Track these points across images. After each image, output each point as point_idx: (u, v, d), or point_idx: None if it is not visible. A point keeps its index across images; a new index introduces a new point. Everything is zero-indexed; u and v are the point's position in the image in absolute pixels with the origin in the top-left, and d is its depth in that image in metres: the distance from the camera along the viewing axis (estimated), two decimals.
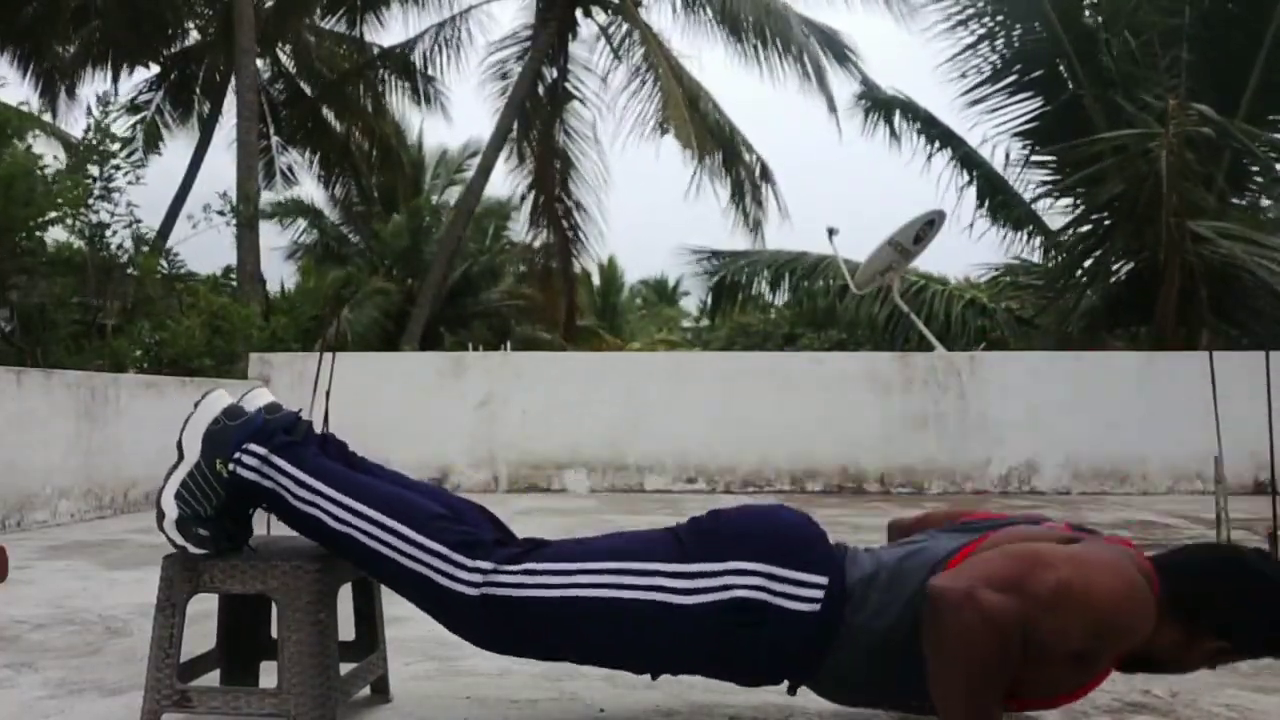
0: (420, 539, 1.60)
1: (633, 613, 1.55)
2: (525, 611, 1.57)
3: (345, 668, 1.76)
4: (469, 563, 1.58)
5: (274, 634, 1.75)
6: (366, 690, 1.93)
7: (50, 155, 7.52)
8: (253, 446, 1.65)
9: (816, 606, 1.54)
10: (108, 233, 7.61)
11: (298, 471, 1.64)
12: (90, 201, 7.32)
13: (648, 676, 2.13)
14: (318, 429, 1.78)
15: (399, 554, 1.60)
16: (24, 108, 8.03)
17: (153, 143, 8.53)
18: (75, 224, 7.28)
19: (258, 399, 1.73)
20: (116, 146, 7.64)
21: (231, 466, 1.64)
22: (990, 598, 1.35)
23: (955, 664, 1.37)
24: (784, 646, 1.55)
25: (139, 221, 7.87)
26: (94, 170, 7.45)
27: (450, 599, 1.59)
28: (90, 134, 7.68)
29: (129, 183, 7.59)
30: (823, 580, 1.55)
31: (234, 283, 9.41)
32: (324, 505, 1.63)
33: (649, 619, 1.55)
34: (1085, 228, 9.73)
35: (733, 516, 1.66)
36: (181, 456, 1.66)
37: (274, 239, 18.67)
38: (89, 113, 7.88)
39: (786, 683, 1.65)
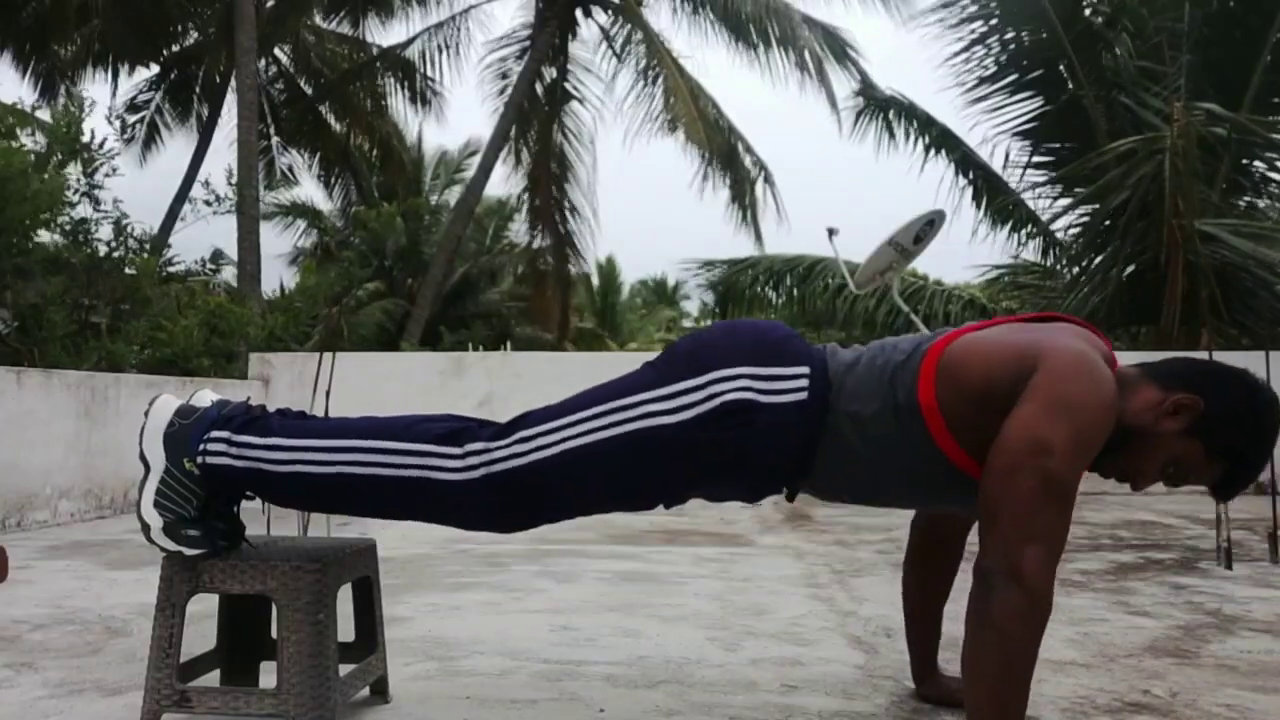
0: (405, 446, 1.61)
1: (631, 444, 1.56)
2: (530, 478, 1.58)
3: (345, 668, 1.76)
4: (459, 450, 1.59)
5: (274, 634, 1.75)
6: (366, 691, 1.93)
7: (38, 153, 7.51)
8: (214, 434, 1.65)
9: (803, 395, 1.56)
10: (90, 227, 7.59)
11: (267, 439, 1.64)
12: (71, 198, 7.29)
13: (648, 674, 2.12)
14: (288, 408, 1.79)
15: (392, 468, 1.60)
16: (19, 106, 8.03)
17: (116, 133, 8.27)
18: (56, 222, 7.26)
19: (204, 398, 1.73)
20: (87, 138, 7.63)
21: (200, 459, 1.63)
22: (1032, 571, 1.37)
23: (998, 644, 1.39)
24: (779, 441, 1.57)
25: (126, 216, 7.87)
26: (71, 168, 7.43)
27: (457, 492, 1.59)
28: (61, 124, 7.68)
29: (105, 175, 7.57)
30: (804, 370, 1.59)
31: (220, 268, 9.35)
32: (305, 457, 1.63)
33: (647, 446, 1.56)
34: (1086, 224, 9.73)
35: (703, 333, 1.69)
36: (148, 467, 1.66)
37: (274, 240, 18.71)
38: (66, 111, 7.88)
39: (785, 491, 1.66)
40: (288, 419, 1.71)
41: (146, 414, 1.69)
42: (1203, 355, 1.65)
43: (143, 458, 1.67)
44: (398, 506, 1.66)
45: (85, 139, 7.64)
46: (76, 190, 7.40)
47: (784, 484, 1.65)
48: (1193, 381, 1.56)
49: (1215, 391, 1.54)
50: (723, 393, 1.55)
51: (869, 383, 1.58)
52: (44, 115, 9.05)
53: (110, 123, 7.83)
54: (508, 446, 1.59)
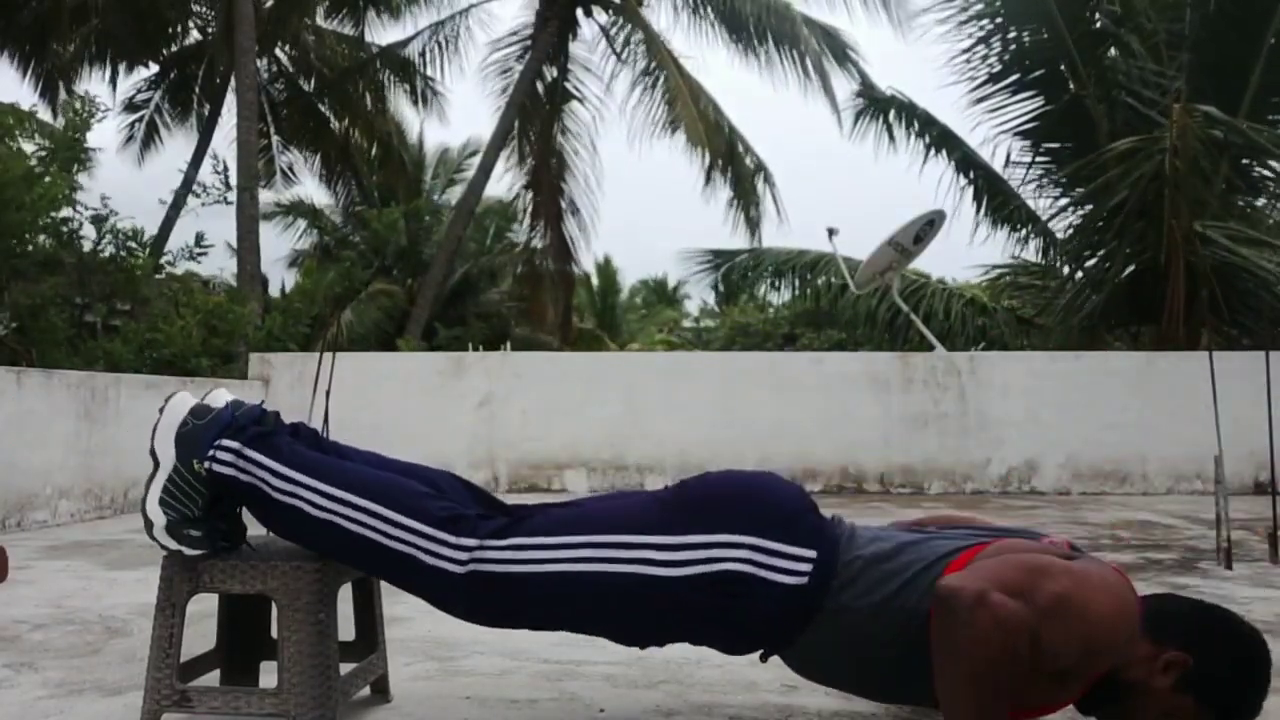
0: (403, 520, 1.60)
1: (620, 585, 1.55)
2: (512, 587, 1.58)
3: (345, 668, 1.76)
4: (453, 540, 1.58)
5: (274, 634, 1.75)
6: (366, 690, 1.93)
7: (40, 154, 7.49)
8: (225, 442, 1.64)
9: (804, 580, 1.54)
10: (74, 225, 7.57)
11: (274, 463, 1.64)
12: (63, 199, 7.28)
13: (648, 674, 2.12)
14: (318, 429, 1.78)
15: (383, 536, 1.60)
16: (22, 106, 8.03)
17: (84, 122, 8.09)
18: (48, 229, 7.26)
19: (220, 398, 1.72)
20: (92, 142, 7.63)
21: (207, 464, 1.63)
22: (1002, 600, 1.36)
23: (964, 664, 1.37)
24: (767, 616, 1.55)
25: (115, 213, 7.84)
26: (68, 173, 7.40)
27: (437, 577, 1.59)
28: (68, 125, 7.65)
29: (78, 171, 7.52)
30: (811, 554, 1.55)
31: (207, 251, 9.23)
32: (304, 495, 1.62)
33: (636, 591, 1.55)
34: (1086, 223, 9.73)
35: (721, 484, 1.66)
36: (157, 463, 1.66)
37: (274, 239, 18.69)
38: (72, 110, 7.84)
39: (760, 651, 1.64)
40: (299, 443, 1.70)
41: (161, 410, 1.69)
42: (1193, 600, 1.64)
43: (153, 453, 1.66)
44: (378, 570, 1.68)
45: (88, 143, 7.62)
46: (68, 192, 7.39)
47: (760, 649, 1.64)
48: (1183, 635, 1.53)
49: (1204, 647, 1.51)
50: (723, 559, 1.53)
51: (885, 581, 1.54)
52: (44, 115, 9.01)
53: (78, 116, 7.67)
54: (501, 550, 1.58)
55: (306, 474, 1.64)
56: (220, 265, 13.56)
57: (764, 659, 1.66)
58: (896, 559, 1.56)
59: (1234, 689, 1.52)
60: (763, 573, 1.53)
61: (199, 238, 8.93)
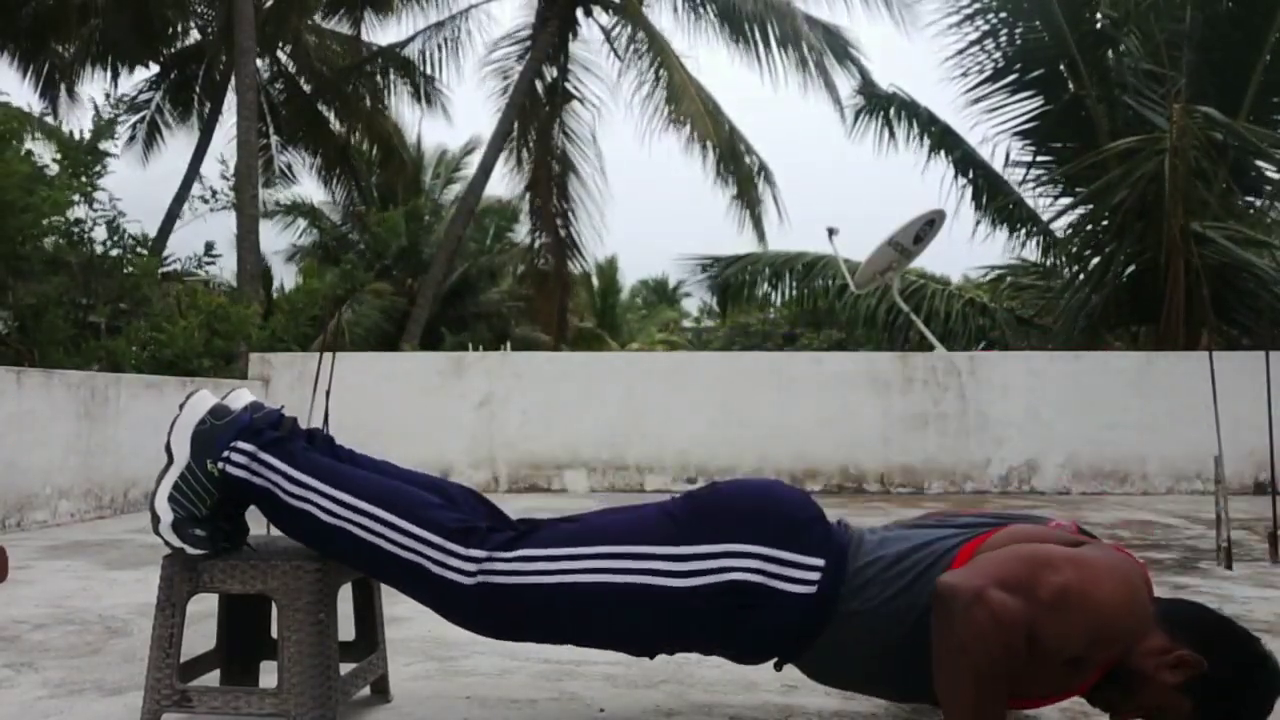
0: (414, 529, 1.60)
1: (628, 597, 1.55)
2: (521, 599, 1.57)
3: (345, 668, 1.76)
4: (463, 551, 1.58)
5: (274, 634, 1.75)
6: (366, 690, 1.93)
7: (48, 157, 7.46)
8: (241, 444, 1.65)
9: (813, 589, 1.54)
10: (86, 227, 7.55)
11: (288, 468, 1.64)
12: (72, 199, 7.26)
13: (648, 674, 2.12)
14: (332, 436, 1.78)
15: (393, 545, 1.60)
16: (25, 108, 8.02)
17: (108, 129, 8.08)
18: (55, 230, 7.24)
19: (241, 398, 1.72)
20: (110, 144, 7.60)
21: (221, 465, 1.63)
22: (999, 597, 1.36)
23: (962, 661, 1.37)
24: (779, 627, 1.55)
25: (122, 215, 7.83)
26: (84, 171, 7.38)
27: (446, 588, 1.59)
28: (94, 126, 7.62)
29: (96, 173, 7.52)
30: (820, 562, 1.55)
31: (215, 260, 9.22)
32: (316, 500, 1.62)
33: (645, 603, 1.55)
34: (1088, 225, 9.73)
35: (728, 494, 1.65)
36: (171, 459, 1.66)
37: (274, 239, 18.69)
38: (96, 111, 7.80)
39: (774, 660, 1.65)
40: (314, 448, 1.70)
41: (182, 406, 1.69)
42: (1215, 611, 1.61)
43: (168, 448, 1.67)
44: (387, 578, 1.67)
45: (104, 147, 7.60)
46: (75, 193, 7.37)
47: (773, 658, 1.64)
48: (1202, 639, 1.51)
49: (1221, 657, 1.49)
50: (733, 569, 1.53)
51: (893, 583, 1.54)
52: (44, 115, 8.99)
53: (106, 121, 7.67)
54: (509, 562, 1.58)
55: (319, 479, 1.64)
56: (220, 264, 13.54)
57: (778, 668, 1.66)
58: (903, 562, 1.56)
59: (1237, 707, 1.49)
60: (772, 582, 1.53)
61: (209, 247, 8.95)
